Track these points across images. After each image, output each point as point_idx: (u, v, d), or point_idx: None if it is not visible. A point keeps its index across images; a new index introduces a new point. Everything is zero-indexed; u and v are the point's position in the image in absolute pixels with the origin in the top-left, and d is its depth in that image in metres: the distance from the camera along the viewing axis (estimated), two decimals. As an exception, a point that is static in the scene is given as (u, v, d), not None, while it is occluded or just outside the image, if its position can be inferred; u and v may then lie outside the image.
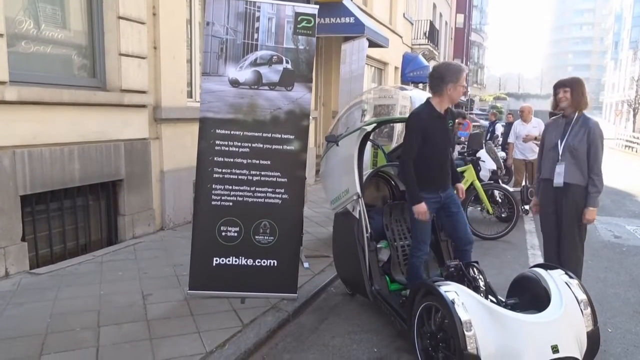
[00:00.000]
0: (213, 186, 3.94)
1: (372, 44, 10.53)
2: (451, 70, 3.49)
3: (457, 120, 7.63)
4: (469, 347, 2.63)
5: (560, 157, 3.78)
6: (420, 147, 3.50)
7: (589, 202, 3.74)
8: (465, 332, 2.65)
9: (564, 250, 3.89)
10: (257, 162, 3.97)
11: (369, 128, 3.70)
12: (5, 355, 2.99)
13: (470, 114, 25.25)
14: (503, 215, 6.96)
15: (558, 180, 3.78)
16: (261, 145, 3.96)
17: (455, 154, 7.53)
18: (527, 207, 7.62)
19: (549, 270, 3.18)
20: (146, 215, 5.79)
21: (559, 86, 3.85)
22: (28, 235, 4.51)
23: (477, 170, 6.98)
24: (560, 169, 3.77)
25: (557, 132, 3.87)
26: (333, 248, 4.42)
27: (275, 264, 4.00)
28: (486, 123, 10.06)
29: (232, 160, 3.94)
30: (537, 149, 7.77)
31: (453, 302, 2.76)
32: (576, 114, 3.79)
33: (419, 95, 4.07)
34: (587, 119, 3.80)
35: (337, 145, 4.03)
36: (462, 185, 3.95)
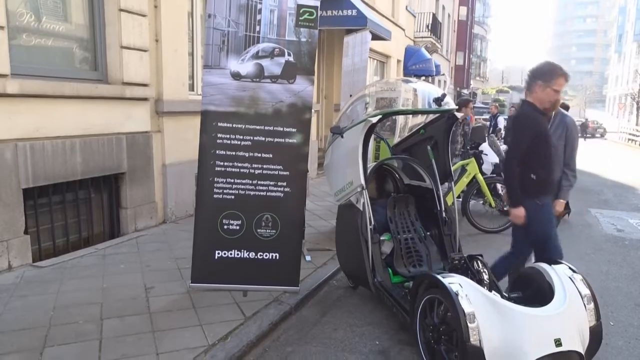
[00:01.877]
0: (215, 179, 3.93)
1: (375, 37, 10.47)
2: (545, 68, 3.40)
3: (464, 111, 7.55)
4: (471, 339, 2.63)
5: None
6: (538, 149, 3.40)
7: (561, 195, 3.83)
8: (469, 324, 2.65)
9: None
10: (259, 155, 3.96)
11: (375, 120, 3.68)
12: (9, 347, 3.01)
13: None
14: (505, 209, 6.93)
15: None
16: (263, 139, 3.95)
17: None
18: None
19: (552, 265, 3.17)
20: (148, 208, 5.79)
21: None
22: (31, 228, 4.52)
23: (480, 163, 6.97)
24: None
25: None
26: (336, 240, 4.42)
27: (277, 257, 4.00)
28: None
29: (234, 153, 3.93)
30: None
31: (457, 294, 2.76)
32: (552, 113, 3.82)
33: (425, 88, 4.04)
34: (564, 116, 3.87)
35: (342, 137, 4.02)
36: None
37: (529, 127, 3.39)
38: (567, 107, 7.64)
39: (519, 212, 3.45)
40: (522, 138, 3.40)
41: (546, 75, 3.35)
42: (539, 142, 3.38)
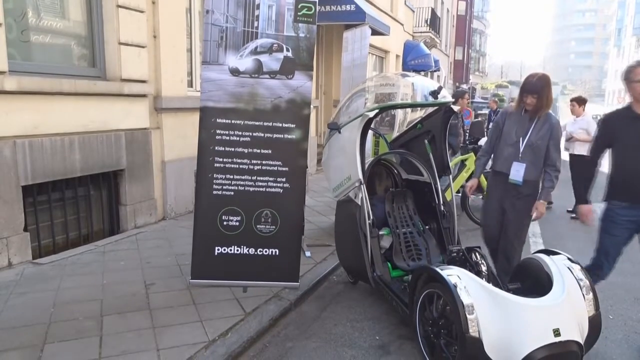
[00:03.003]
0: (214, 175, 3.93)
1: (373, 32, 10.45)
2: (624, 70, 3.40)
3: (460, 103, 7.52)
4: (471, 331, 2.64)
5: (520, 155, 3.77)
6: (614, 150, 3.38)
7: (543, 196, 3.77)
8: (468, 316, 2.66)
9: (508, 241, 3.91)
10: (258, 151, 3.96)
11: (371, 114, 3.69)
12: (9, 344, 3.01)
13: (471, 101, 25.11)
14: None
15: (517, 177, 3.76)
16: (262, 135, 3.95)
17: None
18: None
19: (551, 256, 3.18)
20: (148, 205, 5.79)
21: (527, 92, 3.71)
22: (30, 226, 4.52)
23: (479, 158, 6.95)
24: (520, 167, 3.76)
25: (519, 127, 3.81)
26: (335, 235, 4.42)
27: (277, 253, 4.01)
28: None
29: (233, 149, 3.93)
30: None
31: (455, 286, 2.76)
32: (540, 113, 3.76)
33: (422, 82, 4.04)
34: (549, 115, 3.77)
35: (339, 132, 4.02)
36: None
37: (600, 127, 3.46)
38: (584, 101, 7.66)
39: (582, 209, 3.42)
40: (595, 137, 3.50)
41: (625, 74, 3.36)
42: (614, 145, 3.36)
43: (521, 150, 3.77)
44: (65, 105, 4.71)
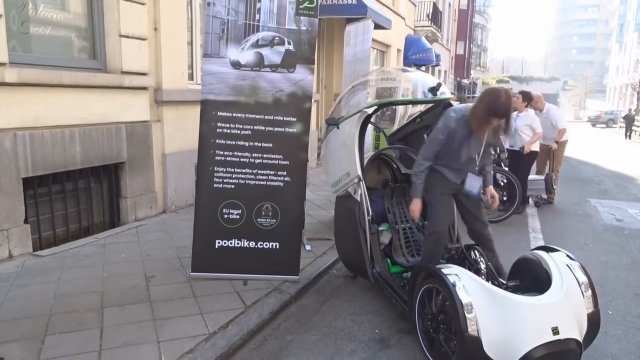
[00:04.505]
0: (215, 169, 3.93)
1: (375, 26, 10.38)
2: None
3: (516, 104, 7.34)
4: (469, 329, 2.64)
5: (477, 168, 3.56)
6: None
7: (489, 181, 3.73)
8: (466, 315, 2.66)
9: (480, 226, 3.79)
10: (259, 144, 3.95)
11: (370, 110, 3.68)
12: (10, 335, 3.02)
13: (471, 97, 25.02)
14: (504, 199, 6.94)
15: (473, 190, 3.54)
16: (263, 128, 3.94)
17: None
18: (544, 196, 7.56)
19: (550, 253, 3.18)
20: (148, 197, 5.80)
21: (497, 116, 3.19)
22: (31, 218, 4.53)
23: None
24: (477, 181, 3.55)
25: (474, 144, 3.44)
26: (334, 231, 4.42)
27: (277, 247, 4.01)
28: None
29: (233, 142, 3.93)
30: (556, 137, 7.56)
31: (454, 285, 2.77)
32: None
33: (422, 78, 4.03)
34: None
35: (338, 127, 4.01)
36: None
37: None
38: (531, 98, 7.42)
39: None
40: None
41: None
42: None
43: (477, 163, 3.54)
44: (66, 97, 4.70)
